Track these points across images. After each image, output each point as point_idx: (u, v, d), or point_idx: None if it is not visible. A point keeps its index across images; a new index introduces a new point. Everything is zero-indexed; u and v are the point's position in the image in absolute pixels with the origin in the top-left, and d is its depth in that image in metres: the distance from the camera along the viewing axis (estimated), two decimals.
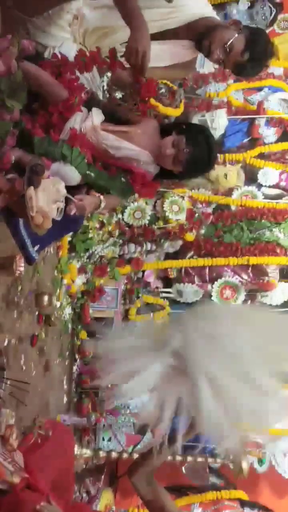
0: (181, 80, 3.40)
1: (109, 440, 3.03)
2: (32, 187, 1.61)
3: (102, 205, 1.92)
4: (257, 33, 2.23)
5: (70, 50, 2.02)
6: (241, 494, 3.12)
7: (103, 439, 3.02)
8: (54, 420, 2.51)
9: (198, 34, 2.10)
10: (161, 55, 2.09)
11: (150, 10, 2.00)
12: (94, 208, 1.94)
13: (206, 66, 3.42)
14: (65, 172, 1.84)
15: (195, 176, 2.25)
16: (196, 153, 1.86)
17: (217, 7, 3.64)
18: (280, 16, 3.74)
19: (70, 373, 2.93)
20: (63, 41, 2.07)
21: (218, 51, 2.06)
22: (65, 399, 2.86)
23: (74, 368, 2.94)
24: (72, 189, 1.83)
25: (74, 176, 1.86)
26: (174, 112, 3.14)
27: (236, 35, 2.07)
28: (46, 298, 2.28)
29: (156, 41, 2.08)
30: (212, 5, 3.57)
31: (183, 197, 3.27)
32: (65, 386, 2.86)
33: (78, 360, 2.94)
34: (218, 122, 3.47)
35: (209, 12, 2.18)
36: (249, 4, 3.68)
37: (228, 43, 2.05)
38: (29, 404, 2.13)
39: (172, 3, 1.79)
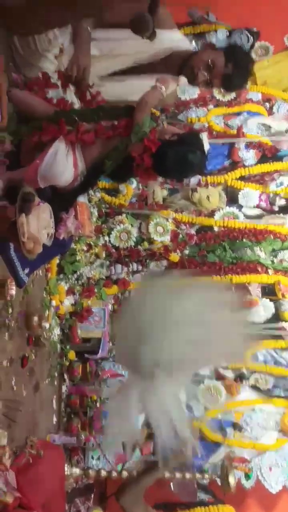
0: (163, 106, 3.50)
1: (98, 458, 3.04)
2: (23, 214, 1.69)
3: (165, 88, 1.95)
4: (233, 46, 2.35)
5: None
6: (230, 510, 3.14)
7: (92, 458, 3.04)
8: (45, 440, 2.54)
9: (176, 66, 2.18)
10: (138, 89, 2.14)
11: (123, 41, 2.09)
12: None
13: (187, 93, 3.54)
14: (56, 171, 1.91)
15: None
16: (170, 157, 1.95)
17: (197, 36, 3.78)
18: (257, 44, 3.88)
19: (60, 393, 2.96)
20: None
21: (203, 71, 2.15)
22: (54, 419, 2.89)
23: (63, 388, 2.97)
24: None
25: (66, 175, 1.93)
26: None
27: (213, 52, 2.18)
28: (35, 319, 2.33)
29: (134, 75, 2.18)
30: (192, 34, 3.78)
31: (167, 219, 3.35)
32: (55, 406, 2.89)
33: (67, 380, 2.97)
34: None
35: (185, 45, 2.26)
36: (228, 33, 3.81)
37: (210, 61, 2.14)
38: (20, 424, 2.16)
39: (151, 39, 1.87)
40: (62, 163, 1.93)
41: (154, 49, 2.12)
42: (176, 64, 2.17)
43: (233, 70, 2.21)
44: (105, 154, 1.96)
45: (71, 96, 2.32)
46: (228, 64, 2.19)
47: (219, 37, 3.83)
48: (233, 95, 3.68)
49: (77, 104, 2.24)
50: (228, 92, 3.25)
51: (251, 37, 3.86)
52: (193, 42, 3.68)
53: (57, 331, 2.82)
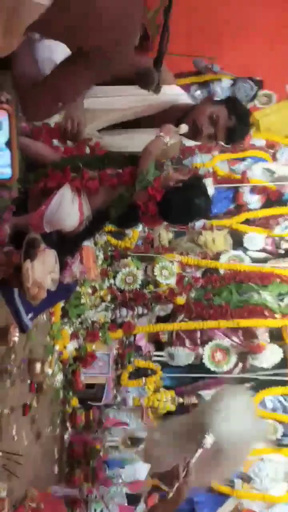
0: (167, 157, 3.55)
1: (101, 511, 2.92)
2: (28, 260, 1.68)
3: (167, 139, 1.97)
4: (231, 98, 2.37)
5: None
6: None
7: (95, 511, 2.91)
8: (45, 492, 2.44)
9: (175, 119, 2.17)
10: (137, 142, 2.16)
11: (122, 96, 2.14)
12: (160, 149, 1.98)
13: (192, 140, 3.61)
14: (61, 215, 1.92)
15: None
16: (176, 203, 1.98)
17: (202, 85, 3.90)
18: (260, 92, 3.98)
19: (61, 442, 2.86)
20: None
21: (208, 125, 2.15)
22: (56, 469, 2.78)
23: (66, 436, 2.88)
24: None
25: (71, 220, 1.94)
26: None
27: (214, 106, 2.20)
28: (38, 365, 2.28)
29: (133, 130, 2.21)
30: (197, 83, 3.89)
31: (172, 262, 3.35)
32: (56, 456, 2.79)
33: (69, 428, 2.89)
34: None
35: (183, 99, 2.29)
36: (232, 81, 3.93)
37: (213, 115, 2.15)
38: (20, 475, 2.08)
39: (157, 93, 1.90)
40: (68, 208, 1.95)
41: (154, 103, 2.14)
42: (175, 117, 2.18)
43: (236, 123, 2.19)
44: (110, 201, 1.98)
45: None
46: (231, 117, 2.18)
47: (223, 85, 3.94)
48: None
49: None
50: (231, 144, 3.29)
51: (255, 86, 3.99)
52: (198, 91, 3.81)
53: (60, 377, 2.76)
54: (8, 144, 1.37)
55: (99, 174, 1.97)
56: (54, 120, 2.06)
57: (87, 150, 2.05)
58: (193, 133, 2.16)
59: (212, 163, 3.71)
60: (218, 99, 2.64)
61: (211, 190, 3.68)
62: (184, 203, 1.98)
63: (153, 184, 1.94)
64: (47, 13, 1.10)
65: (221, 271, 3.55)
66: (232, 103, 2.20)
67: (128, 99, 2.15)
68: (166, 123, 2.13)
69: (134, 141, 2.17)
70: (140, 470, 3.05)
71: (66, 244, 2.05)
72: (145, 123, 2.22)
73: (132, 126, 2.22)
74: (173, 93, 2.18)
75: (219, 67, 3.83)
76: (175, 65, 3.61)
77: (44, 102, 1.36)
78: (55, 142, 2.05)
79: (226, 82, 3.92)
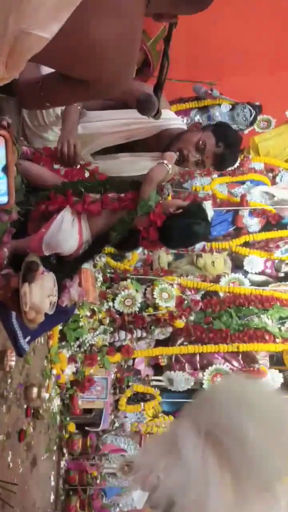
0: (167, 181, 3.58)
1: None
2: (26, 283, 1.66)
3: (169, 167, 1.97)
4: (220, 124, 2.35)
5: None
6: None
7: None
8: None
9: (164, 145, 2.19)
10: (131, 166, 2.20)
11: (115, 121, 2.16)
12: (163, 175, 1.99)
13: None
14: (61, 239, 1.92)
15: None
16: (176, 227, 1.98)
17: (201, 110, 3.95)
18: (259, 117, 4.03)
19: (58, 468, 2.80)
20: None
21: (193, 153, 2.14)
22: (52, 496, 2.71)
23: (62, 463, 2.81)
24: None
25: (71, 243, 1.93)
26: None
27: (202, 133, 2.19)
28: (35, 390, 2.24)
29: (126, 153, 2.23)
30: (196, 108, 3.93)
31: (172, 285, 3.32)
32: (52, 483, 2.73)
33: (66, 455, 2.83)
34: None
35: (177, 123, 2.27)
36: (231, 106, 3.97)
37: (200, 142, 2.14)
38: (15, 504, 2.02)
39: (157, 118, 1.92)
40: (67, 232, 1.94)
41: (145, 126, 2.16)
42: (165, 143, 2.20)
43: (224, 149, 2.17)
44: (111, 225, 1.98)
45: None
46: (219, 143, 2.16)
47: (223, 110, 3.99)
48: (236, 164, 3.76)
49: None
50: (219, 171, 3.28)
51: (254, 111, 4.03)
52: (198, 116, 3.85)
53: (57, 402, 2.71)
54: (5, 169, 1.37)
55: (101, 198, 1.97)
56: (55, 144, 2.08)
57: (86, 175, 2.06)
58: (181, 160, 2.17)
59: (212, 186, 3.74)
60: (210, 124, 2.62)
61: (210, 212, 3.70)
62: (184, 229, 1.99)
63: (154, 210, 1.94)
64: (48, 45, 1.11)
65: (221, 294, 3.54)
66: (221, 130, 2.19)
67: (120, 122, 2.16)
68: (157, 147, 2.15)
69: (127, 165, 2.18)
70: (138, 498, 2.98)
71: (65, 267, 2.03)
72: (138, 147, 2.23)
73: (125, 149, 2.23)
74: (166, 117, 2.19)
75: (218, 92, 3.88)
76: (175, 90, 3.68)
77: (33, 95, 1.37)
78: (56, 166, 2.05)
79: (225, 107, 3.97)
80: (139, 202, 1.95)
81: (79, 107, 2.10)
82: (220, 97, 3.87)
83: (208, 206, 3.63)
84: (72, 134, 2.04)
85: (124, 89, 1.29)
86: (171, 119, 2.26)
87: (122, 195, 2.00)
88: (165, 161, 2.02)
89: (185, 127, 2.30)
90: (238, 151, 2.33)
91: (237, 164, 3.72)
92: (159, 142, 2.20)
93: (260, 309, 3.44)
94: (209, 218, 3.66)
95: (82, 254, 2.03)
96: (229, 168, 3.69)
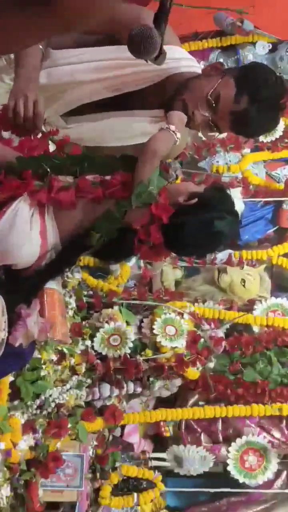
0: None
1: None
2: None
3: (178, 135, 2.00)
4: (252, 66, 2.36)
5: None
6: None
7: None
8: None
9: (167, 98, 2.22)
10: (127, 131, 2.24)
11: (95, 64, 2.18)
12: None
13: None
14: (13, 243, 1.95)
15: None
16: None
17: (226, 51, 4.00)
18: None
19: None
20: None
21: (201, 109, 2.17)
22: None
23: None
24: None
25: (28, 250, 1.96)
26: None
27: (219, 80, 2.20)
28: None
29: (116, 112, 2.25)
30: (218, 48, 3.97)
31: (182, 314, 3.33)
32: None
33: None
34: None
35: (190, 65, 2.30)
36: (271, 46, 4.00)
37: (210, 93, 2.16)
38: None
39: (159, 63, 1.93)
40: (23, 232, 1.96)
41: (141, 71, 2.16)
42: (169, 95, 2.21)
43: (248, 106, 2.15)
44: (91, 222, 1.99)
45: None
46: (241, 97, 2.15)
47: (258, 52, 4.04)
48: (279, 133, 3.78)
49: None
50: (246, 137, 3.28)
51: None
52: (221, 59, 3.87)
53: (5, 492, 2.70)
54: None
55: (75, 182, 1.98)
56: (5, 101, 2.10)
57: (52, 147, 2.07)
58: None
59: (242, 166, 3.77)
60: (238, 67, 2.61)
61: (239, 205, 3.72)
62: (201, 227, 2.02)
63: (157, 199, 1.94)
64: None
65: (256, 329, 3.57)
66: (249, 75, 2.18)
67: (106, 65, 2.17)
68: (161, 102, 2.16)
69: (115, 131, 2.20)
70: None
71: (19, 286, 2.06)
72: (130, 103, 2.25)
73: (109, 109, 2.25)
74: (174, 57, 2.18)
75: (252, 25, 3.90)
76: (187, 21, 3.70)
77: None
78: (5, 134, 2.07)
79: (262, 46, 4.01)
80: (133, 188, 1.96)
81: (41, 46, 2.13)
82: (254, 31, 3.91)
83: (236, 196, 3.66)
84: (30, 86, 2.07)
85: (108, 16, 1.29)
86: (182, 59, 2.29)
87: (108, 177, 2.00)
88: (171, 126, 2.02)
89: (197, 71, 2.31)
90: (276, 106, 2.24)
91: (280, 132, 3.74)
92: (163, 95, 2.21)
93: None
94: (239, 214, 3.73)
95: (45, 267, 2.04)
96: (268, 139, 3.71)
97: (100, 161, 2.05)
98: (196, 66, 2.32)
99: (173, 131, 2.02)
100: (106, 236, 2.00)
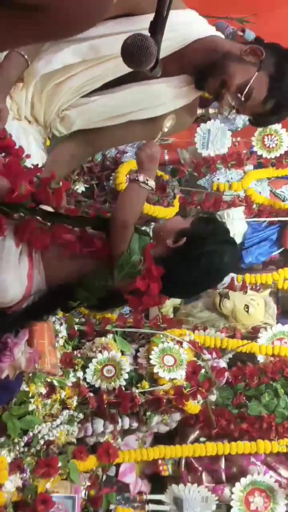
0: (175, 166, 3.60)
1: None
2: None
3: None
4: (285, 68, 2.42)
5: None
6: None
7: None
8: None
9: (200, 66, 2.30)
10: (150, 100, 2.30)
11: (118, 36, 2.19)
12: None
13: (212, 146, 3.67)
14: None
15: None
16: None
17: None
18: None
19: None
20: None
21: (233, 97, 2.30)
22: None
23: None
24: None
25: (11, 293, 1.94)
26: (165, 213, 3.32)
27: (256, 72, 2.28)
28: None
29: (133, 84, 2.32)
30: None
31: (181, 343, 3.32)
32: None
33: None
34: (232, 227, 3.62)
35: (201, 29, 2.37)
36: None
37: (246, 91, 2.27)
38: None
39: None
40: (8, 271, 1.93)
41: (170, 38, 2.16)
42: (196, 64, 2.30)
43: (272, 111, 2.35)
44: (80, 273, 1.97)
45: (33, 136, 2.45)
46: (268, 101, 2.31)
47: None
48: (284, 149, 3.79)
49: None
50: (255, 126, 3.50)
51: None
52: None
53: None
54: None
55: (52, 227, 1.97)
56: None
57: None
58: (212, 93, 2.37)
59: (245, 183, 3.79)
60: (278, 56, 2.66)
61: (242, 226, 3.73)
62: (197, 266, 1.99)
63: (142, 267, 1.92)
64: None
65: (261, 359, 3.58)
66: (280, 80, 2.28)
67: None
68: (186, 70, 2.33)
69: (138, 102, 2.33)
70: None
71: (4, 318, 2.04)
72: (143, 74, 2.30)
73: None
74: (186, 20, 2.28)
75: (254, 35, 3.92)
76: None
77: None
78: None
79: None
80: (115, 260, 1.93)
81: (22, 52, 2.17)
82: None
83: (238, 216, 3.66)
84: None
85: (93, 22, 1.27)
86: (192, 22, 2.35)
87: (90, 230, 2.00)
88: (140, 177, 1.94)
89: (219, 34, 2.41)
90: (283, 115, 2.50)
91: (285, 148, 3.75)
92: (186, 62, 2.30)
93: None
94: (239, 235, 3.73)
95: (28, 308, 2.02)
96: (272, 155, 3.72)
97: (71, 216, 2.02)
98: (211, 30, 2.40)
99: (143, 182, 1.94)
100: (93, 295, 1.98)
